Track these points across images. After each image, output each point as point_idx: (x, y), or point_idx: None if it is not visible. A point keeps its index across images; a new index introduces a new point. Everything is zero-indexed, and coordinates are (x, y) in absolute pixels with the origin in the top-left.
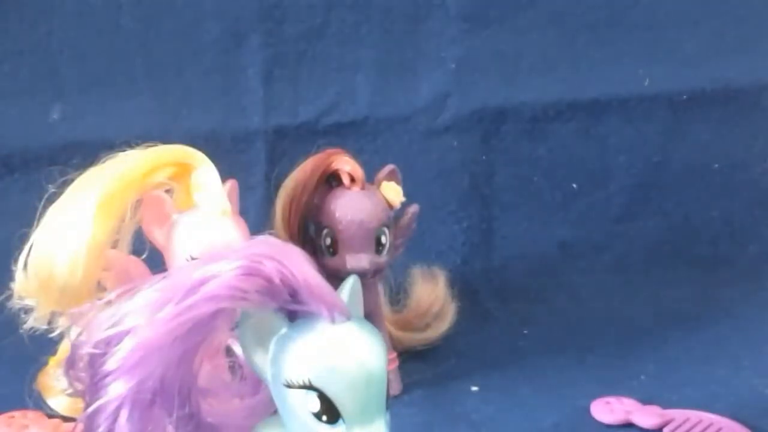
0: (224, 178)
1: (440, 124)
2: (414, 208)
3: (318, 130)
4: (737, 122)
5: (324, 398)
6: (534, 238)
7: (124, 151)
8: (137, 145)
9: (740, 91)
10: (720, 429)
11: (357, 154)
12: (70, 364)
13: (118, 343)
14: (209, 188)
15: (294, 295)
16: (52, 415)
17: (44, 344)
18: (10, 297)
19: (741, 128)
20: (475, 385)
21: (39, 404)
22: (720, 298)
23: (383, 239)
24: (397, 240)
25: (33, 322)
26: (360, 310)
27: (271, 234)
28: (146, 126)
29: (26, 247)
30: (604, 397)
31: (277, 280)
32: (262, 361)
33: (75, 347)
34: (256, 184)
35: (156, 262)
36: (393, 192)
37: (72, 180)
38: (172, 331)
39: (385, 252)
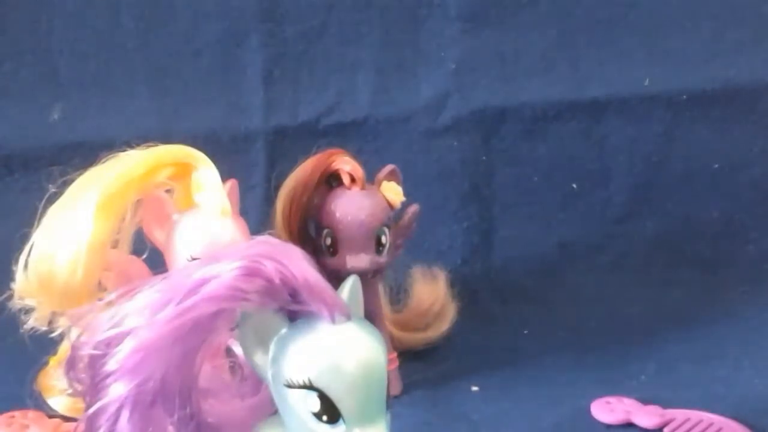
0: (224, 178)
1: (440, 124)
2: (414, 208)
3: (318, 130)
4: (737, 122)
5: (324, 398)
6: (534, 238)
7: (124, 151)
8: (137, 145)
9: (740, 91)
10: (720, 429)
11: (357, 154)
12: (71, 365)
13: (118, 344)
14: (209, 188)
15: (294, 295)
16: (52, 415)
17: (44, 344)
18: (10, 297)
19: (741, 128)
20: (475, 385)
21: (39, 404)
22: (720, 298)
23: (383, 239)
24: (398, 240)
25: (33, 322)
26: (360, 310)
27: (271, 234)
28: (146, 126)
29: (26, 247)
30: (604, 397)
31: (277, 281)
32: (263, 362)
33: (75, 348)
34: (256, 184)
35: (156, 262)
36: (393, 192)
37: (72, 180)
38: (172, 332)
39: (385, 252)
